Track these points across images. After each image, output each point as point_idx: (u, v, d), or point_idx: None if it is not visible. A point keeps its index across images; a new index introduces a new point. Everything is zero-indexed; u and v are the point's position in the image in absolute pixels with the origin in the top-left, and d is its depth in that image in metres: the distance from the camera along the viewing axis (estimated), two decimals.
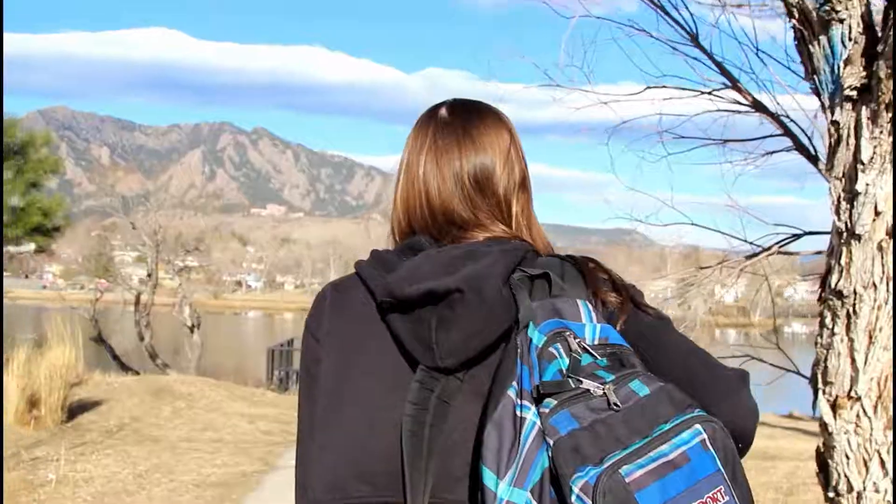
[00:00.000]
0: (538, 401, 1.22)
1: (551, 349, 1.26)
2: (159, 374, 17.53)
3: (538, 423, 1.20)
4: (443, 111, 1.55)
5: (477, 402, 1.31)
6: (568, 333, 1.28)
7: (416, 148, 1.53)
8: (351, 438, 1.36)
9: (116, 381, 14.05)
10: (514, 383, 1.25)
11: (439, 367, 1.31)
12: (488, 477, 1.20)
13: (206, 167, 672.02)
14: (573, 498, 1.14)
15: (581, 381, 1.22)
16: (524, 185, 1.57)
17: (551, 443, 1.18)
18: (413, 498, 1.29)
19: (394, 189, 1.56)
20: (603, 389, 1.21)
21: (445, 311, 1.30)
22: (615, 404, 1.20)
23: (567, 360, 1.25)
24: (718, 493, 1.18)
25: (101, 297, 22.13)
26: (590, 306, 1.34)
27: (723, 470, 1.20)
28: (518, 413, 1.22)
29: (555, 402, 1.20)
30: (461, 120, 1.53)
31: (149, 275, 21.82)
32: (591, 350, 1.27)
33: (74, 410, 11.55)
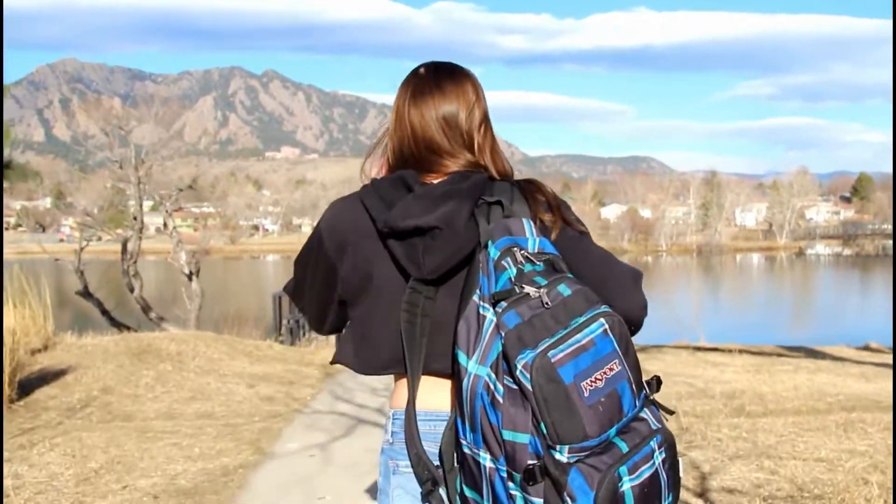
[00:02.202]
0: (494, 303, 1.76)
1: (503, 262, 1.80)
2: (148, 332, 15.38)
3: (495, 319, 1.74)
4: (421, 70, 2.14)
5: (452, 301, 1.89)
6: (515, 248, 1.82)
7: (403, 98, 2.11)
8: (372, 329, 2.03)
9: (91, 343, 11.91)
10: (478, 290, 1.81)
11: (425, 279, 1.90)
12: (461, 356, 1.77)
13: (218, 113, 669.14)
14: (517, 372, 1.66)
15: (523, 287, 1.76)
16: (484, 124, 2.12)
17: (503, 334, 1.71)
18: (411, 366, 1.90)
19: (388, 129, 2.14)
20: (538, 293, 1.75)
21: (428, 240, 1.87)
22: (546, 304, 1.73)
23: (514, 270, 1.79)
24: (614, 364, 1.72)
25: (87, 245, 19.93)
26: (532, 224, 1.91)
27: (618, 349, 1.75)
28: (480, 312, 1.78)
29: (505, 304, 1.74)
30: (434, 77, 2.11)
31: (134, 217, 19.60)
32: (531, 258, 1.82)
33: (31, 384, 9.45)
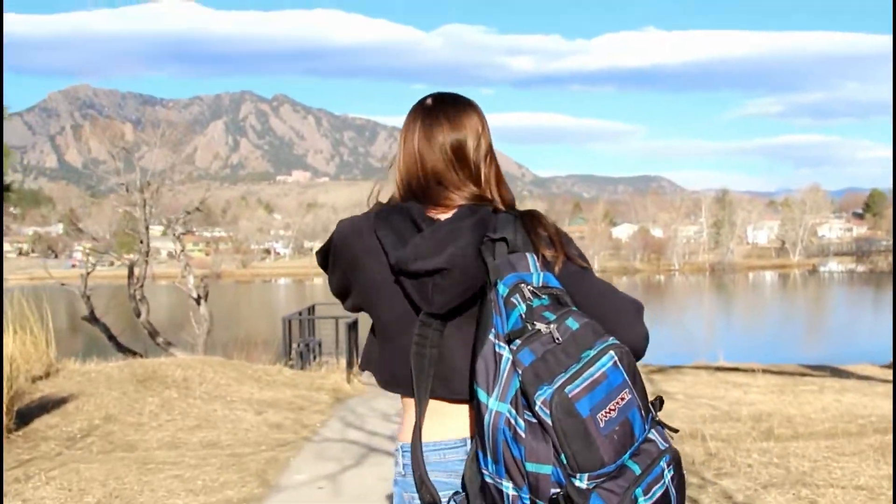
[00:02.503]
0: (509, 341, 1.85)
1: (512, 299, 1.88)
2: (154, 357, 15.06)
3: (511, 357, 1.83)
4: (428, 101, 2.22)
5: (460, 334, 2.01)
6: (523, 284, 1.91)
7: (411, 130, 2.19)
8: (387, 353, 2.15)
9: (95, 370, 11.59)
10: (492, 329, 1.89)
11: (435, 314, 2.00)
12: (481, 394, 1.84)
13: (228, 137, 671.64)
14: (537, 408, 1.75)
15: (535, 324, 1.85)
16: (490, 154, 2.21)
17: (520, 371, 1.80)
18: (418, 394, 2.01)
19: (395, 160, 2.23)
20: (549, 328, 1.84)
21: (438, 279, 1.95)
22: (557, 339, 1.83)
23: (524, 307, 1.88)
24: (625, 394, 1.82)
25: (93, 270, 19.63)
26: (535, 258, 1.99)
27: (627, 379, 1.85)
28: (497, 350, 1.86)
29: (519, 341, 1.83)
30: (441, 108, 2.19)
31: (140, 241, 19.27)
32: (537, 292, 1.91)
33: (31, 412, 9.13)
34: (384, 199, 2.24)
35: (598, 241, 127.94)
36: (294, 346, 16.65)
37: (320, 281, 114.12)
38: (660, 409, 2.00)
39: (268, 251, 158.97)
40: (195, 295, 19.10)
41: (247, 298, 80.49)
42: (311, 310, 20.15)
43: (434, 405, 2.03)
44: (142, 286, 18.42)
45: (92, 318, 18.05)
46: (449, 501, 2.00)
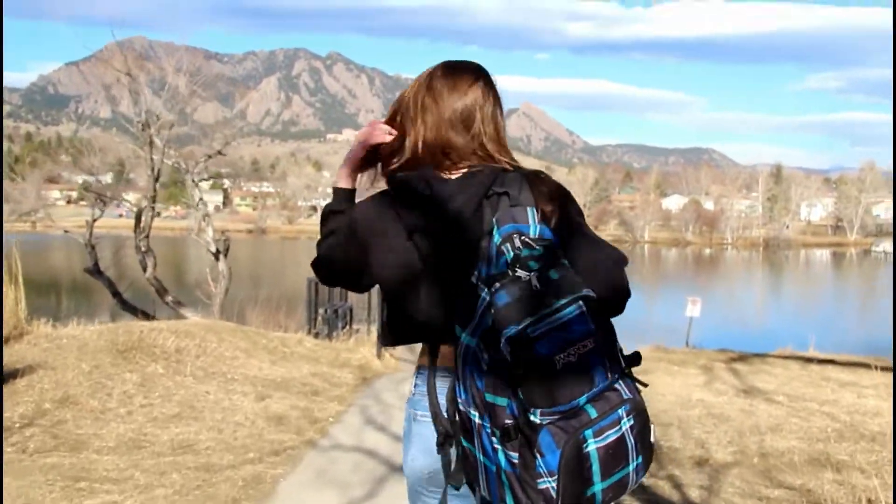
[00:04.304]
0: (489, 284, 1.97)
1: (503, 247, 1.99)
2: (166, 318, 13.07)
3: (488, 298, 1.96)
4: (437, 69, 2.33)
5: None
6: (516, 234, 2.01)
7: (420, 96, 2.30)
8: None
9: (70, 335, 9.56)
10: (476, 272, 2.03)
11: (441, 265, 2.13)
12: (458, 329, 2.03)
13: (281, 94, 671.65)
14: (502, 345, 1.88)
15: (517, 271, 1.95)
16: (495, 119, 2.30)
17: (492, 311, 1.93)
18: (431, 339, 2.25)
19: (405, 126, 2.32)
20: (529, 276, 1.95)
21: (443, 233, 2.13)
22: (535, 286, 1.94)
23: (511, 255, 1.98)
24: (588, 342, 1.92)
25: (101, 216, 17.62)
26: (535, 212, 2.08)
27: (591, 328, 1.93)
28: (476, 291, 2.00)
29: (498, 284, 1.95)
30: (449, 75, 2.30)
31: (154, 192, 17.09)
32: (531, 243, 2.00)
33: None
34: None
35: (648, 211, 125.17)
36: (321, 311, 14.60)
37: None
38: (637, 364, 2.07)
39: (314, 208, 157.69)
40: (213, 249, 17.00)
41: (288, 254, 78.82)
42: None
43: (445, 346, 2.21)
44: (147, 237, 16.36)
45: (95, 271, 16.12)
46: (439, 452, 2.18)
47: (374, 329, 13.84)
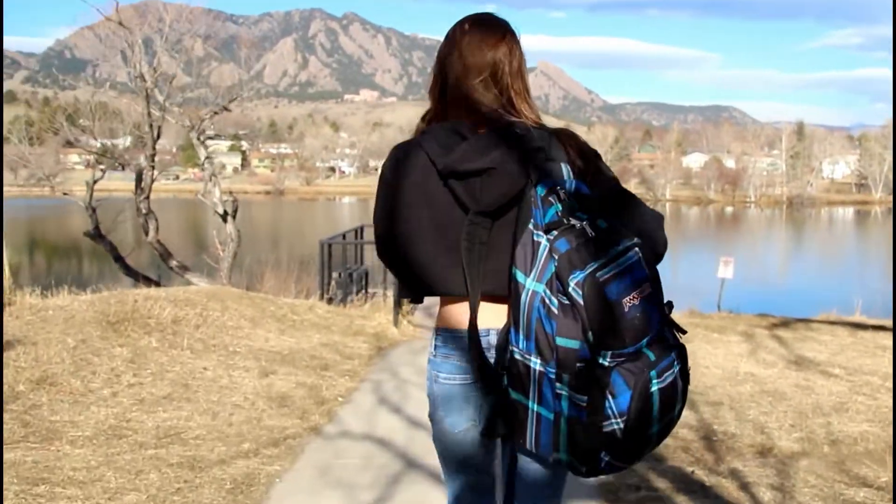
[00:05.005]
0: (546, 231, 2.03)
1: (549, 198, 2.07)
2: (173, 284, 12.26)
3: (548, 245, 2.01)
4: (465, 25, 2.32)
5: (508, 233, 2.12)
6: (558, 188, 2.09)
7: (448, 51, 2.31)
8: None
9: (57, 305, 8.74)
10: (531, 220, 2.07)
11: (484, 212, 2.12)
12: (520, 275, 2.04)
13: (298, 55, 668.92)
14: (570, 289, 1.94)
15: (570, 219, 2.03)
16: (521, 75, 2.31)
17: (556, 257, 1.98)
18: (472, 287, 2.15)
19: (435, 80, 2.35)
20: (582, 224, 2.02)
21: (486, 179, 2.09)
22: (590, 234, 2.00)
23: (559, 205, 2.06)
24: (646, 287, 2.01)
25: (102, 177, 16.70)
26: (569, 167, 2.17)
27: (648, 273, 2.03)
28: (535, 239, 2.05)
29: (556, 232, 2.01)
30: (476, 31, 2.30)
31: (153, 151, 16.09)
32: (570, 197, 2.09)
33: None
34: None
35: (669, 170, 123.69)
36: (334, 275, 13.77)
37: None
38: (669, 312, 2.12)
39: (332, 169, 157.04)
40: (221, 210, 16.11)
41: (305, 216, 78.07)
42: (360, 232, 17.19)
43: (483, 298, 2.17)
44: (147, 198, 15.47)
45: (96, 235, 15.31)
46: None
47: (391, 293, 12.98)
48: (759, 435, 6.02)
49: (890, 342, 10.54)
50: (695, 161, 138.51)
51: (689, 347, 7.46)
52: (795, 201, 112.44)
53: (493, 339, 2.16)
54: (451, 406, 2.26)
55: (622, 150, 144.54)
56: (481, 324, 2.16)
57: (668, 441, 5.84)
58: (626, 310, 1.94)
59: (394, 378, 7.90)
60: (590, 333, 1.92)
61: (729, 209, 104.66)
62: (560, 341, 1.95)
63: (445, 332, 2.27)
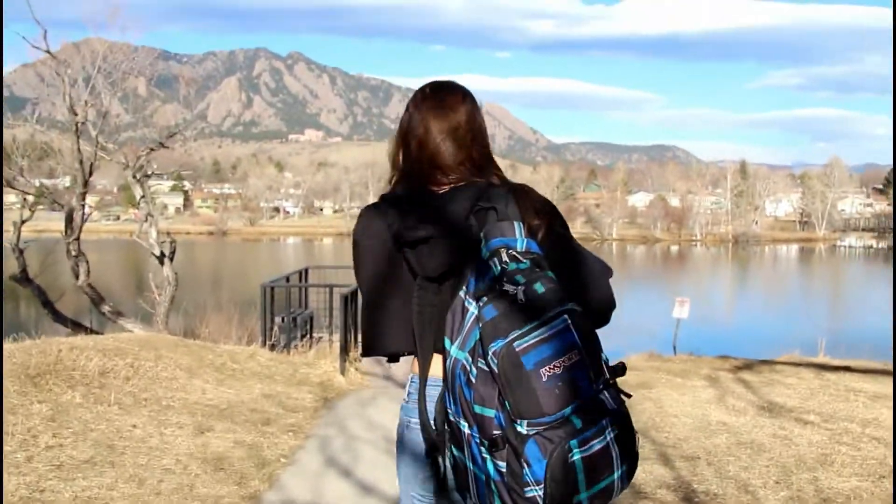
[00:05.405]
0: (477, 298, 2.05)
1: (490, 262, 2.09)
2: (110, 331, 11.50)
3: (476, 312, 2.04)
4: (427, 90, 2.45)
5: (452, 295, 2.16)
6: (503, 249, 2.10)
7: (411, 116, 2.41)
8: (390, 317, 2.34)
9: None
10: (464, 287, 2.11)
11: (429, 278, 2.23)
12: (447, 342, 2.09)
13: (242, 94, 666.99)
14: (489, 358, 1.95)
15: (504, 285, 2.03)
16: (482, 136, 2.42)
17: (480, 325, 2.00)
18: (422, 349, 2.25)
19: (396, 143, 2.45)
20: (515, 290, 2.01)
21: (428, 246, 2.21)
22: (521, 300, 2.00)
23: (498, 269, 2.07)
24: (573, 355, 1.96)
25: (31, 217, 15.82)
26: (522, 226, 2.16)
27: (578, 341, 1.99)
28: (465, 305, 2.08)
29: (486, 299, 2.03)
30: (437, 96, 2.42)
31: (84, 189, 15.22)
32: (518, 256, 2.09)
33: None
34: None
35: (615, 209, 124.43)
36: (277, 320, 13.10)
37: (329, 241, 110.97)
38: (621, 375, 2.09)
39: (277, 209, 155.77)
40: (157, 252, 15.31)
41: (248, 257, 76.97)
42: (304, 274, 16.53)
43: (437, 356, 2.24)
44: (77, 239, 14.67)
45: (24, 279, 14.49)
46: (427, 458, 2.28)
47: (337, 338, 12.34)
48: (743, 494, 5.51)
49: (859, 384, 10.15)
50: (640, 200, 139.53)
51: (653, 394, 6.94)
52: (741, 239, 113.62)
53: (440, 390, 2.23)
54: (418, 452, 2.31)
55: (567, 190, 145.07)
56: (436, 374, 2.24)
57: None
58: (545, 379, 1.93)
59: (342, 433, 7.30)
60: (506, 402, 1.94)
61: (675, 248, 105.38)
62: (477, 409, 1.99)
63: (414, 381, 2.35)
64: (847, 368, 11.60)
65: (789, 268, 79.92)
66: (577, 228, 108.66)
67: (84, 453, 6.06)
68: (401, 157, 2.42)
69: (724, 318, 31.94)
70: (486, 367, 1.97)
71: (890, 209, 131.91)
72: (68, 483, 5.41)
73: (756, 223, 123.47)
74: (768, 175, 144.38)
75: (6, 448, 5.97)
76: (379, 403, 8.89)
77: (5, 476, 5.45)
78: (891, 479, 5.84)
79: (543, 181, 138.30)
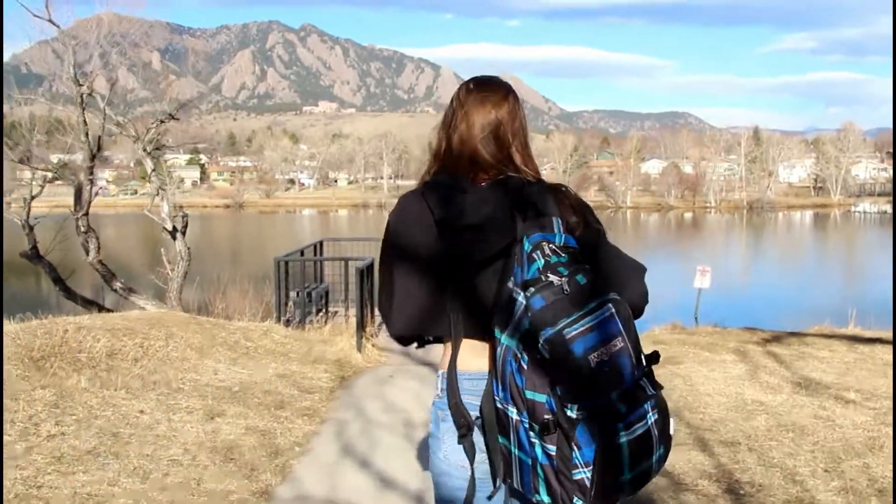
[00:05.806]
0: (524, 288, 2.08)
1: (534, 254, 2.13)
2: (123, 308, 11.17)
3: (524, 302, 2.06)
4: (471, 85, 2.47)
5: (493, 282, 2.20)
6: (545, 242, 2.15)
7: (455, 110, 2.43)
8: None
9: None
10: (512, 277, 2.13)
11: (470, 265, 2.24)
12: (497, 331, 2.11)
13: (255, 67, 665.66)
14: (540, 345, 2.00)
15: (548, 276, 2.08)
16: (521, 133, 2.44)
17: (530, 314, 2.04)
18: (455, 333, 2.27)
19: (438, 135, 2.46)
20: (560, 281, 2.07)
21: (477, 233, 2.21)
22: (566, 290, 2.05)
23: (542, 261, 2.11)
24: (617, 342, 2.03)
25: (40, 192, 15.50)
26: (560, 222, 2.22)
27: (622, 329, 2.06)
28: (513, 296, 2.10)
29: (533, 289, 2.06)
30: (482, 91, 2.44)
31: (92, 163, 14.86)
32: (558, 251, 2.14)
33: None
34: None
35: (628, 177, 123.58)
36: (292, 295, 12.76)
37: (344, 212, 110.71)
38: (654, 363, 2.16)
39: (292, 181, 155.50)
40: (169, 226, 14.96)
41: (265, 229, 76.71)
42: (319, 248, 16.17)
43: (469, 342, 2.27)
44: (86, 214, 14.32)
45: (34, 256, 14.17)
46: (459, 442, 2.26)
47: (353, 313, 11.96)
48: (791, 485, 5.12)
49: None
50: (653, 167, 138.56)
51: (682, 370, 6.49)
52: (755, 206, 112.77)
53: (476, 383, 2.25)
54: (453, 441, 2.29)
55: (581, 158, 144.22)
56: (465, 367, 2.28)
57: (689, 498, 4.94)
58: (594, 364, 1.99)
59: (360, 417, 6.95)
60: (557, 388, 2.00)
61: (689, 215, 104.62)
62: (528, 394, 2.04)
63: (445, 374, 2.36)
64: (878, 340, 11.18)
65: (805, 234, 79.13)
66: (591, 196, 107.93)
67: (87, 443, 5.72)
68: (443, 150, 2.45)
69: (743, 287, 31.40)
70: (536, 355, 2.03)
71: None
72: (67, 477, 5.07)
73: (770, 189, 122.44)
74: (782, 141, 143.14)
75: (6, 438, 5.64)
76: (396, 382, 8.55)
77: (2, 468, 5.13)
78: None
79: (557, 150, 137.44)
